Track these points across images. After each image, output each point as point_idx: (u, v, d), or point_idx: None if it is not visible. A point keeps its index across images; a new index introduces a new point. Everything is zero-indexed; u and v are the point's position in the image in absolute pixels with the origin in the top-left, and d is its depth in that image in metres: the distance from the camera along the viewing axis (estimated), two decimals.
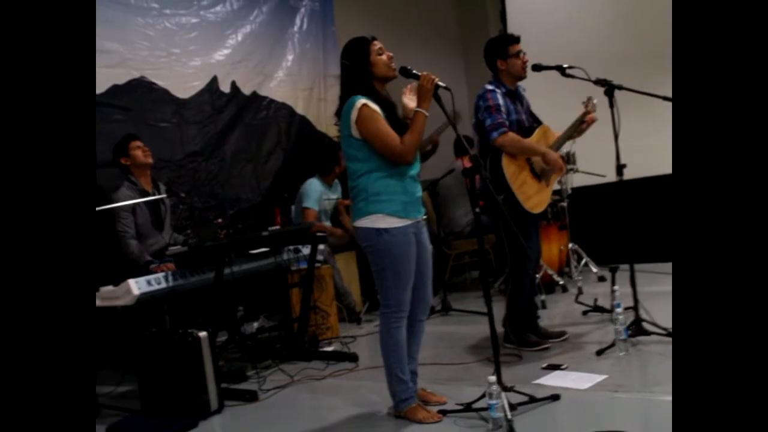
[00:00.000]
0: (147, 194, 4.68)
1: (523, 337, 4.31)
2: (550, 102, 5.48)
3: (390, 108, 3.30)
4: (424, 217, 3.43)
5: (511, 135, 4.14)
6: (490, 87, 4.27)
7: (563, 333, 4.46)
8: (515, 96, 4.34)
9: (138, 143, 4.73)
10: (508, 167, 4.15)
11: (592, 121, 4.35)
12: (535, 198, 4.24)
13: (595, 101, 4.35)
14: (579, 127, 4.35)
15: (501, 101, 4.21)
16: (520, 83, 4.41)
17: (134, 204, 4.56)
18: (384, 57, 3.29)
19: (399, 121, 3.29)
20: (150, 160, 4.75)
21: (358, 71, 3.28)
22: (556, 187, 6.17)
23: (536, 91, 4.83)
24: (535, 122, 4.45)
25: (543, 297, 5.47)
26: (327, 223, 6.10)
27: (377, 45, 3.30)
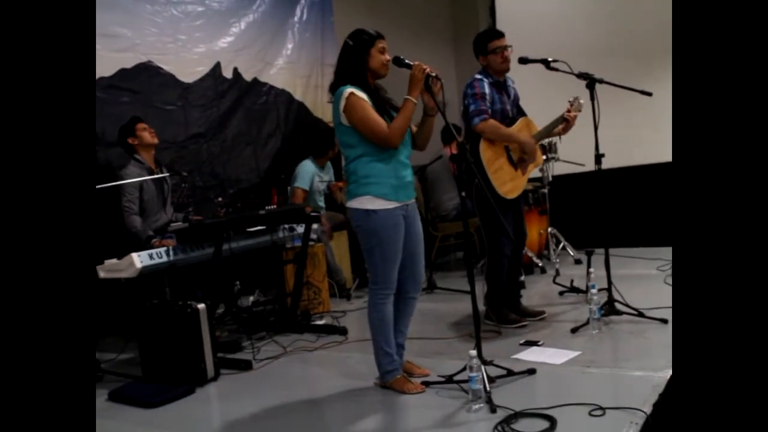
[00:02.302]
0: (153, 172, 4.67)
1: (502, 314, 4.32)
2: (540, 94, 5.46)
3: (377, 96, 3.28)
4: (413, 200, 3.41)
5: (492, 122, 4.13)
6: (478, 76, 4.26)
7: (542, 312, 4.46)
8: (502, 87, 4.32)
9: (144, 125, 4.72)
10: (485, 152, 4.14)
11: (574, 119, 4.33)
12: (509, 184, 4.23)
13: (581, 101, 4.33)
14: (561, 124, 4.34)
15: (487, 90, 4.19)
16: (510, 75, 4.40)
17: (142, 181, 4.55)
18: (383, 56, 3.26)
19: (386, 109, 3.27)
20: (156, 140, 4.74)
21: (356, 56, 3.25)
22: (537, 174, 6.20)
23: (526, 82, 4.81)
24: (520, 114, 4.44)
25: (523, 278, 5.45)
26: (320, 202, 6.11)
27: (381, 44, 3.27)
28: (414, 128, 3.42)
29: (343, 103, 3.18)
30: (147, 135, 4.68)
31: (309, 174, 5.96)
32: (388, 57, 3.28)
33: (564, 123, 4.34)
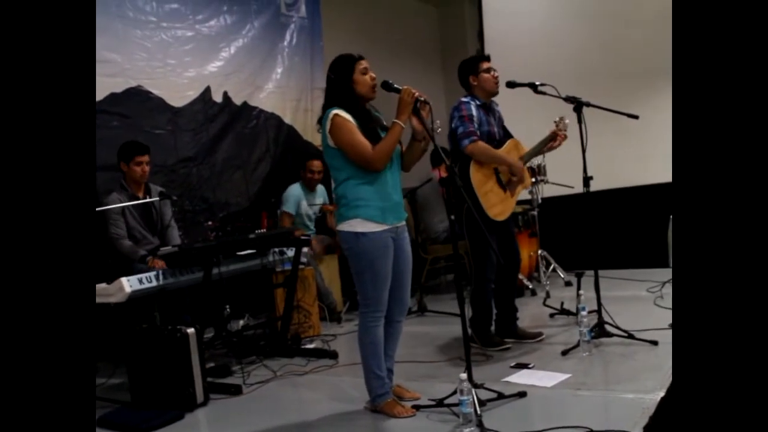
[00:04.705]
0: (136, 199, 4.63)
1: (487, 337, 4.32)
2: (524, 117, 5.50)
3: (366, 119, 3.28)
4: (403, 223, 3.42)
5: (481, 143, 4.16)
6: (465, 99, 4.29)
7: (540, 334, 4.46)
8: (488, 109, 4.35)
9: (143, 158, 4.63)
10: (475, 175, 4.16)
11: (563, 139, 4.36)
12: (498, 206, 4.24)
13: (566, 121, 4.35)
14: (548, 144, 4.36)
15: (474, 112, 4.22)
16: (494, 99, 4.43)
17: (124, 207, 4.54)
18: (367, 77, 3.27)
19: (376, 132, 3.28)
20: (144, 179, 4.70)
21: (340, 86, 3.26)
22: (527, 197, 6.23)
23: (511, 107, 4.84)
24: (507, 136, 4.46)
25: None
26: (310, 225, 6.11)
27: (363, 64, 3.27)
28: (403, 147, 3.42)
29: (329, 124, 3.19)
30: (138, 172, 4.60)
31: (294, 198, 6.00)
32: (373, 75, 3.28)
33: (552, 141, 4.36)
